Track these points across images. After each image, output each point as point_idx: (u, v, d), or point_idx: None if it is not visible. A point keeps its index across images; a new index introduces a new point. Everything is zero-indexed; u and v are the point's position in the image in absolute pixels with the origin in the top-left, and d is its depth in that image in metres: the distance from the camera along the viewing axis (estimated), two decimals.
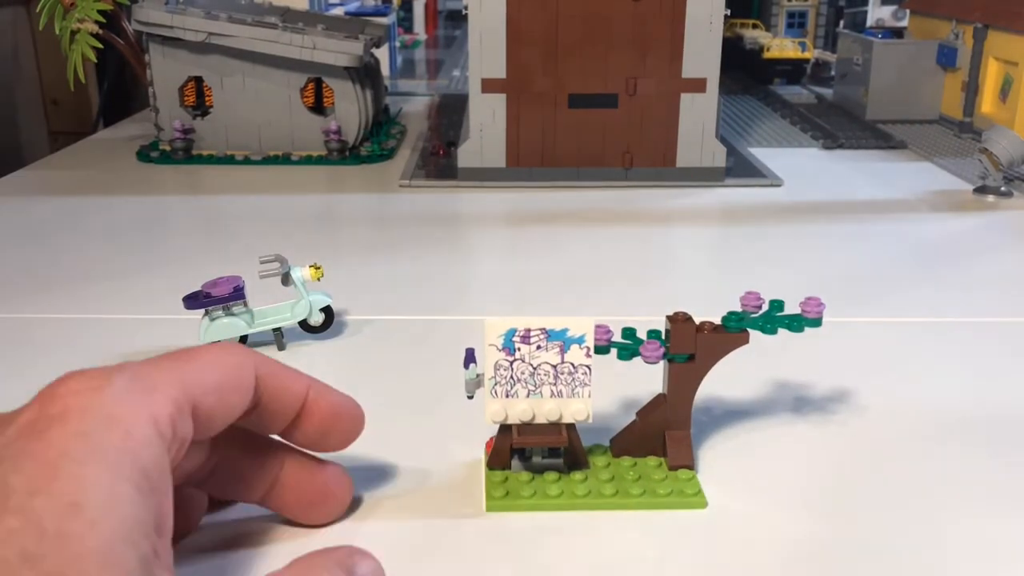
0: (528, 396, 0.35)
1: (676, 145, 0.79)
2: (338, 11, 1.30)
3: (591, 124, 0.78)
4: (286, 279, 0.48)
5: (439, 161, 0.87)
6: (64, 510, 0.21)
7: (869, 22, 1.43)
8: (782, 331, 0.37)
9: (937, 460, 0.38)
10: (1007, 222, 0.71)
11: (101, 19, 0.86)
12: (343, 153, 0.87)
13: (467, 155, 0.79)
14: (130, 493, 0.23)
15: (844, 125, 1.02)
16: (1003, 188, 0.77)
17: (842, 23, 1.46)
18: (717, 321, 0.38)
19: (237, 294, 0.46)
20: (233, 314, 0.47)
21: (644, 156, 0.79)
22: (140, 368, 0.26)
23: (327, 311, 0.49)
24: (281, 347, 0.48)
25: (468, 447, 0.38)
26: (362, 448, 0.33)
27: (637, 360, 0.36)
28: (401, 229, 0.69)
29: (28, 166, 0.89)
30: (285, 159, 0.87)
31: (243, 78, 0.86)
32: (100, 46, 0.86)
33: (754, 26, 1.40)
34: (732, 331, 0.37)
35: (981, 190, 0.78)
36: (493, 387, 0.35)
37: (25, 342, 0.50)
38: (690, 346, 0.37)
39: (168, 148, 0.87)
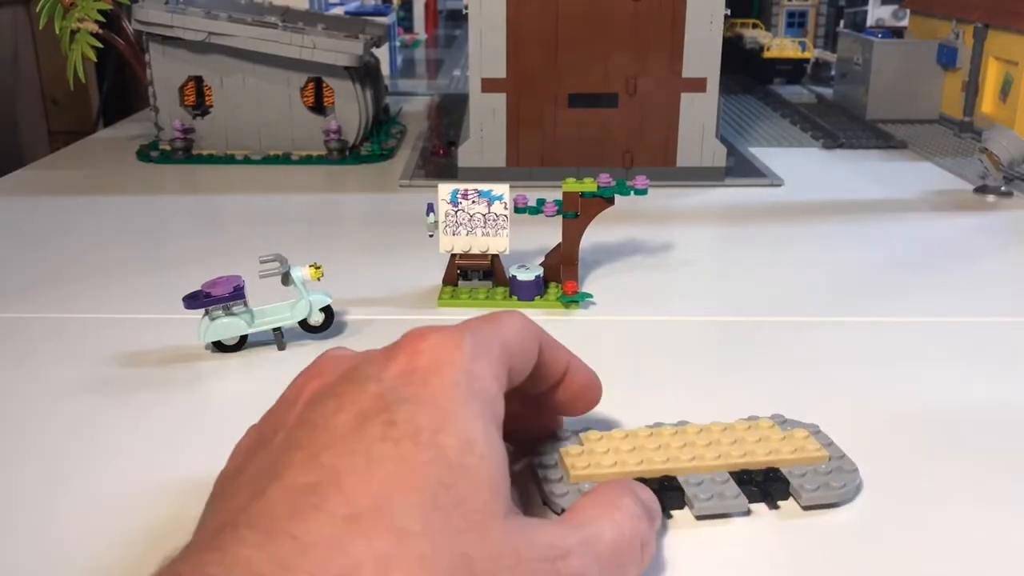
0: (467, 235, 0.53)
1: (676, 145, 0.79)
2: (338, 11, 1.30)
3: (591, 124, 0.78)
4: (286, 279, 0.48)
5: (439, 161, 0.87)
6: (462, 446, 0.26)
7: (869, 22, 1.43)
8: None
9: (937, 460, 0.38)
10: (1007, 222, 0.71)
11: (101, 19, 0.86)
12: (343, 153, 0.87)
13: (467, 155, 0.79)
14: (495, 432, 0.27)
15: (844, 125, 1.02)
16: (1003, 188, 0.77)
17: (842, 23, 1.46)
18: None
19: (237, 294, 0.46)
20: (233, 314, 0.47)
21: (644, 156, 0.79)
22: (477, 331, 0.30)
23: (327, 311, 0.49)
24: (281, 347, 0.48)
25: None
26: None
27: (549, 222, 0.54)
28: (401, 229, 0.69)
29: (28, 166, 0.89)
30: (285, 159, 0.87)
31: (243, 78, 0.86)
32: (100, 46, 0.86)
33: (754, 26, 1.40)
34: (600, 197, 0.53)
35: (981, 190, 0.78)
36: (444, 228, 0.53)
37: (25, 342, 0.50)
38: (575, 207, 0.53)
39: (168, 148, 0.87)
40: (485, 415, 0.27)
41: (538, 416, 0.37)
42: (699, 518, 0.34)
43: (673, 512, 0.34)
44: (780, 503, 0.34)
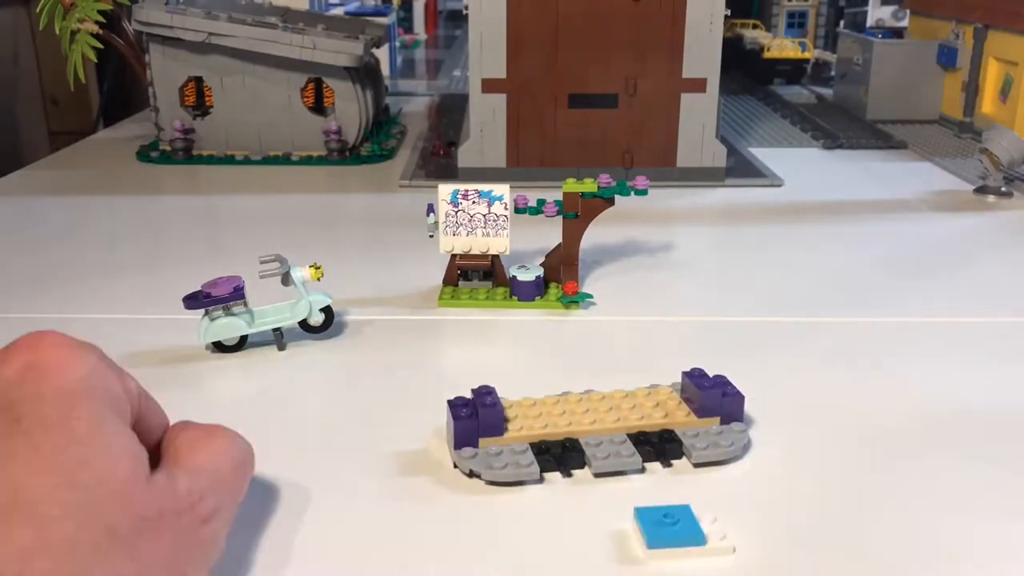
0: (467, 235, 0.53)
1: (676, 145, 0.79)
2: (338, 11, 1.30)
3: (591, 124, 0.78)
4: (286, 279, 0.48)
5: (439, 161, 0.87)
6: (95, 424, 0.26)
7: (869, 22, 1.43)
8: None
9: (937, 459, 0.38)
10: (1007, 222, 0.71)
11: (101, 19, 0.86)
12: (343, 153, 0.87)
13: (467, 155, 0.79)
14: (119, 422, 0.28)
15: (844, 125, 1.02)
16: (1003, 188, 0.77)
17: (842, 23, 1.46)
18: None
19: (237, 294, 0.46)
20: (233, 314, 0.47)
21: (644, 156, 0.79)
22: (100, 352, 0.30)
23: (327, 311, 0.49)
24: (281, 347, 0.48)
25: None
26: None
27: (549, 222, 0.54)
28: (401, 229, 0.69)
29: (28, 166, 0.89)
30: (285, 159, 0.87)
31: (243, 78, 0.86)
32: (100, 46, 0.86)
33: (754, 26, 1.40)
34: (600, 197, 0.53)
35: (981, 190, 0.78)
36: (444, 228, 0.53)
37: None
38: (575, 208, 0.53)
39: (168, 148, 0.87)
40: (112, 407, 0.28)
41: None
42: (596, 475, 0.36)
43: (574, 471, 0.37)
44: (674, 462, 0.37)
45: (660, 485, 0.36)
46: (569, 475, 0.37)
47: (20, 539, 0.23)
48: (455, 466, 0.37)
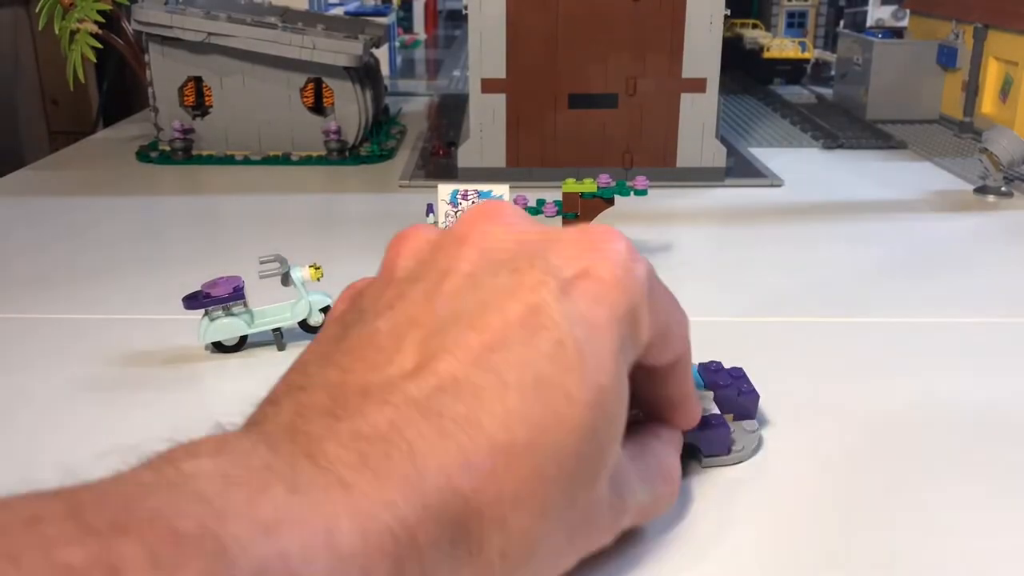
0: None
1: (676, 145, 0.79)
2: (338, 11, 1.30)
3: (591, 124, 0.78)
4: (286, 279, 0.48)
5: (439, 161, 0.87)
6: (617, 396, 0.25)
7: (869, 22, 1.43)
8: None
9: (937, 460, 0.38)
10: (1007, 222, 0.71)
11: (101, 19, 0.86)
12: (343, 153, 0.87)
13: (467, 155, 0.79)
14: (626, 386, 0.27)
15: (844, 125, 1.02)
16: (1003, 188, 0.77)
17: (842, 23, 1.46)
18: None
19: (237, 294, 0.46)
20: (233, 314, 0.47)
21: (644, 156, 0.79)
22: (652, 273, 0.30)
23: (327, 311, 0.49)
24: (281, 347, 0.48)
25: None
26: None
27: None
28: (401, 229, 0.69)
29: (28, 166, 0.89)
30: (285, 159, 0.87)
31: (243, 78, 0.86)
32: (100, 46, 0.86)
33: (754, 26, 1.40)
34: (600, 197, 0.54)
35: (981, 190, 0.78)
36: (444, 228, 0.51)
37: (25, 342, 0.50)
38: (575, 208, 0.53)
39: (168, 148, 0.87)
40: (628, 360, 0.27)
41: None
42: None
43: None
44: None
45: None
46: None
47: (516, 486, 0.23)
48: None
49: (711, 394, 0.38)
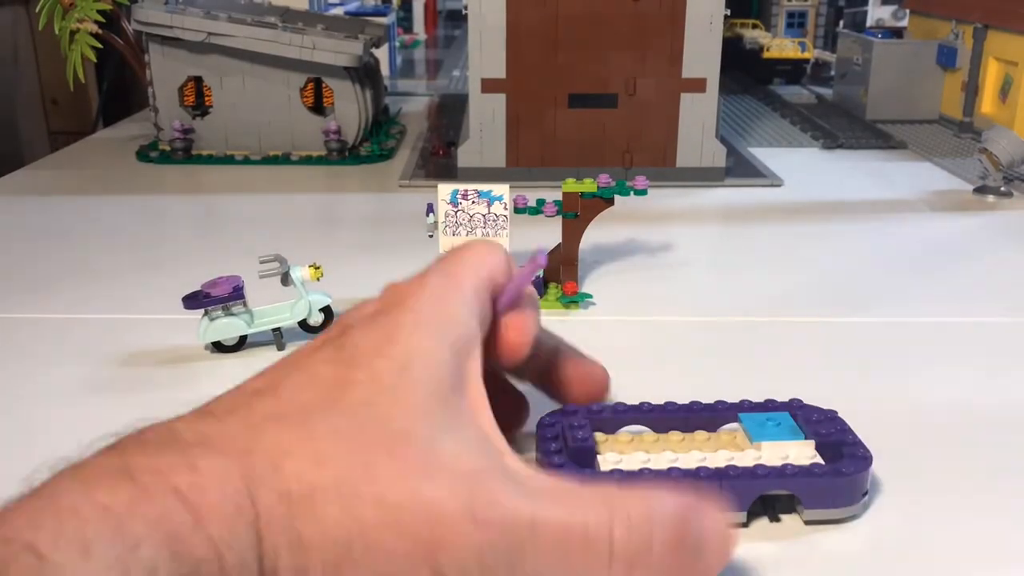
0: (467, 235, 0.53)
1: (676, 145, 0.79)
2: (338, 11, 1.30)
3: (591, 124, 0.78)
4: (285, 279, 0.48)
5: (439, 161, 0.87)
6: (398, 370, 0.27)
7: (869, 22, 1.43)
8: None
9: (937, 460, 0.38)
10: (1007, 222, 0.71)
11: (101, 19, 0.86)
12: (343, 153, 0.87)
13: (467, 155, 0.79)
14: (447, 354, 0.28)
15: (844, 125, 1.02)
16: (1003, 188, 0.77)
17: (842, 23, 1.46)
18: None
19: (236, 294, 0.46)
20: (232, 314, 0.47)
21: (644, 156, 0.79)
22: (445, 267, 0.32)
23: (326, 311, 0.49)
24: (281, 347, 0.48)
25: None
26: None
27: (549, 222, 0.54)
28: (401, 229, 0.69)
29: (28, 166, 0.89)
30: (285, 159, 0.87)
31: (243, 78, 0.86)
32: (100, 46, 0.86)
33: (754, 26, 1.40)
34: (600, 197, 0.53)
35: (981, 190, 0.78)
36: (444, 228, 0.53)
37: (25, 342, 0.50)
38: (575, 208, 0.53)
39: (168, 148, 0.87)
40: (442, 336, 0.28)
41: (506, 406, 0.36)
42: None
43: None
44: (782, 516, 0.34)
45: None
46: None
47: (284, 439, 0.25)
48: None
49: (812, 443, 0.34)
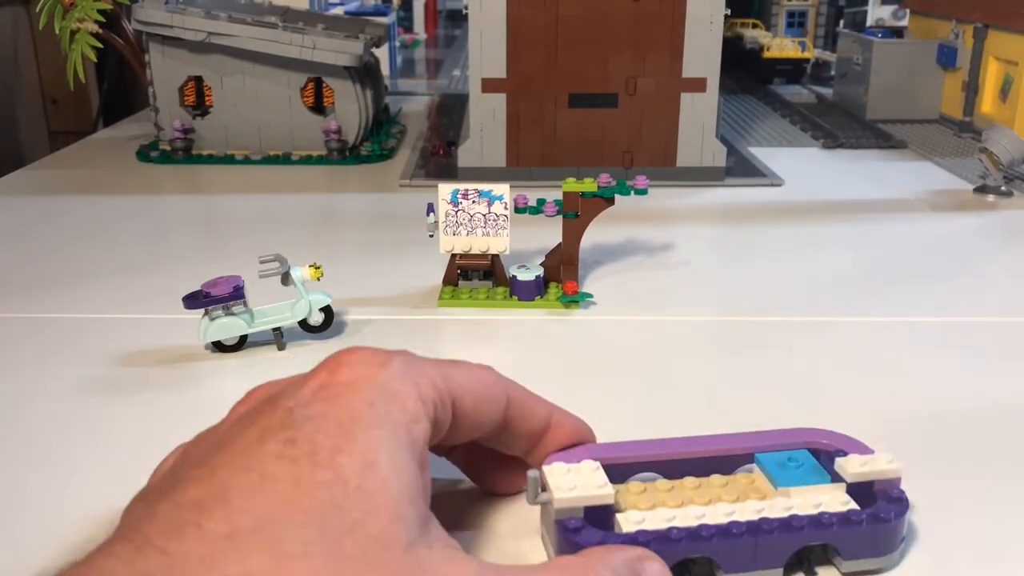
0: (467, 235, 0.53)
1: (676, 145, 0.79)
2: (338, 11, 1.30)
3: (591, 124, 0.78)
4: (286, 279, 0.48)
5: (439, 161, 0.87)
6: (362, 468, 0.24)
7: (869, 22, 1.43)
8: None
9: (937, 460, 0.38)
10: (1007, 222, 0.71)
11: (101, 19, 0.86)
12: (343, 153, 0.87)
13: (467, 155, 0.79)
14: (406, 457, 0.26)
15: (844, 125, 1.02)
16: (1003, 188, 0.77)
17: (842, 23, 1.46)
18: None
19: (236, 294, 0.46)
20: (233, 314, 0.47)
21: (644, 156, 0.79)
22: (411, 357, 0.29)
23: (327, 311, 0.49)
24: (281, 347, 0.48)
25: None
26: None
27: (549, 222, 0.54)
28: (401, 229, 0.69)
29: (28, 166, 0.89)
30: (285, 159, 0.87)
31: (243, 78, 0.86)
32: (100, 46, 0.86)
33: (754, 26, 1.40)
34: (601, 197, 0.53)
35: (981, 190, 0.78)
36: (444, 228, 0.53)
37: (25, 342, 0.50)
38: (575, 207, 0.53)
39: (168, 148, 0.87)
40: (397, 438, 0.26)
41: (514, 475, 0.34)
42: None
43: None
44: (818, 569, 0.31)
45: None
46: None
47: (255, 566, 0.22)
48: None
49: (843, 486, 0.32)
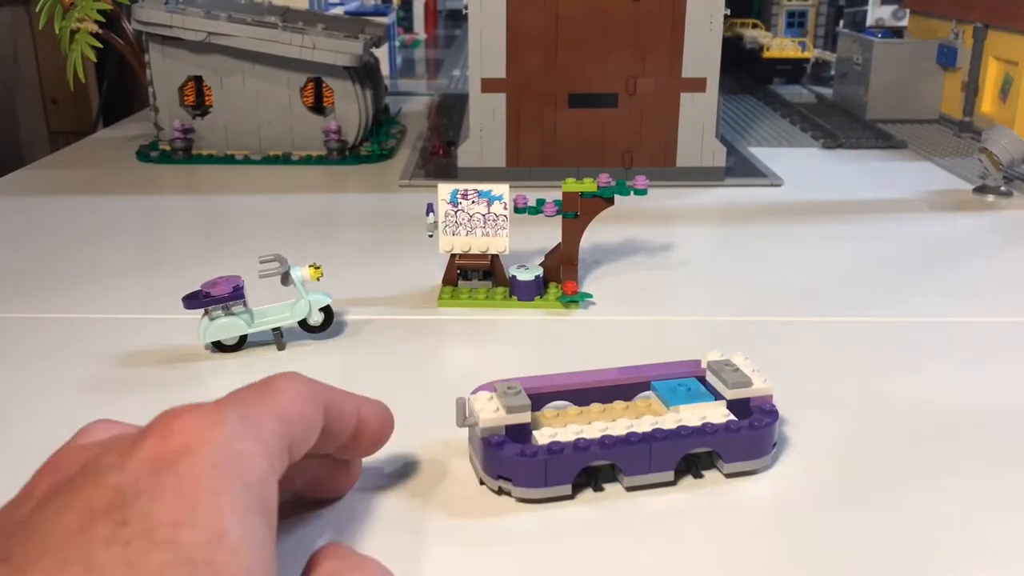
0: (467, 235, 0.53)
1: (676, 145, 0.79)
2: (338, 11, 1.30)
3: (591, 124, 0.78)
4: (285, 279, 0.48)
5: (439, 161, 0.87)
6: (209, 541, 0.22)
7: (869, 22, 1.43)
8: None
9: (936, 459, 0.38)
10: (1007, 222, 0.71)
11: (101, 19, 0.86)
12: (343, 153, 0.87)
13: (467, 155, 0.79)
14: (257, 522, 0.23)
15: (844, 125, 1.02)
16: (1003, 188, 0.77)
17: (842, 23, 1.46)
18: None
19: (236, 294, 0.46)
20: (232, 314, 0.47)
21: (644, 156, 0.79)
22: (242, 405, 0.26)
23: (326, 311, 0.49)
24: (280, 347, 0.48)
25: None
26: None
27: (549, 222, 0.54)
28: (401, 229, 0.69)
29: (28, 166, 0.89)
30: (285, 159, 0.87)
31: (243, 78, 0.86)
32: (100, 46, 0.86)
33: (754, 26, 1.40)
34: (600, 197, 0.53)
35: (981, 190, 0.78)
36: (444, 228, 0.53)
37: (25, 342, 0.50)
38: (575, 207, 0.53)
39: (168, 148, 0.87)
40: (248, 502, 0.23)
41: (335, 473, 0.34)
42: (628, 489, 0.36)
43: (604, 484, 0.36)
44: (704, 472, 0.37)
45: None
46: (601, 489, 0.36)
47: None
48: (481, 483, 0.36)
49: (723, 402, 0.38)
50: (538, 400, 0.38)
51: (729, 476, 0.36)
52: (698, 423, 0.36)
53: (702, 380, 0.39)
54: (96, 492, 0.22)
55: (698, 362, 0.40)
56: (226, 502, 0.23)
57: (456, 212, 0.53)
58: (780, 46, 1.29)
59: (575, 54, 0.76)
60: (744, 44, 1.34)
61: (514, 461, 0.34)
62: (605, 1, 0.75)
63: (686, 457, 0.36)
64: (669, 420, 0.36)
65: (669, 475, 0.35)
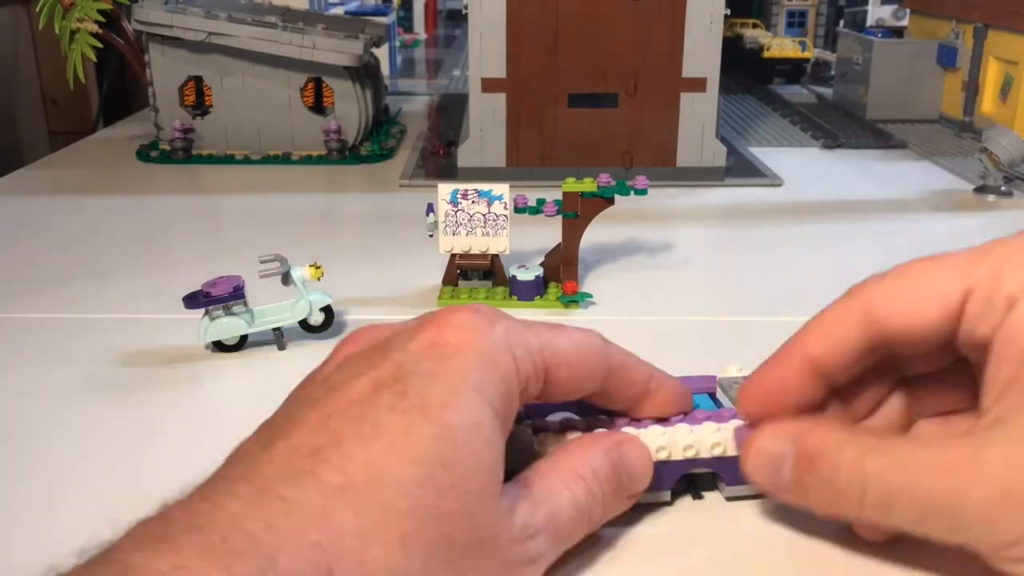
0: (467, 235, 0.53)
1: (676, 145, 0.79)
2: (338, 11, 1.30)
3: (591, 124, 0.78)
4: (286, 279, 0.48)
5: (439, 161, 0.87)
6: (469, 427, 0.26)
7: (869, 22, 1.43)
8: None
9: None
10: (1007, 222, 0.71)
11: (101, 19, 0.86)
12: (343, 153, 0.87)
13: (467, 155, 0.79)
14: (499, 429, 0.27)
15: (844, 125, 1.02)
16: (1003, 188, 0.77)
17: (842, 23, 1.46)
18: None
19: (237, 294, 0.46)
20: (233, 314, 0.47)
21: (644, 156, 0.79)
22: (515, 325, 0.30)
23: (327, 311, 0.49)
24: (281, 347, 0.48)
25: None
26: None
27: (549, 222, 0.54)
28: (401, 229, 0.69)
29: (28, 166, 0.89)
30: (285, 159, 0.87)
31: (243, 78, 0.86)
32: (100, 46, 0.86)
33: (754, 26, 1.40)
34: (600, 197, 0.53)
35: (981, 190, 0.78)
36: (444, 228, 0.53)
37: (24, 342, 0.50)
38: (575, 207, 0.53)
39: (168, 148, 0.87)
40: (496, 406, 0.27)
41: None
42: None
43: None
44: (705, 494, 0.35)
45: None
46: None
47: (364, 520, 0.23)
48: None
49: (732, 424, 0.35)
50: (542, 411, 0.36)
51: (729, 500, 0.35)
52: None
53: (713, 396, 0.38)
54: (383, 364, 0.27)
55: (713, 377, 0.39)
56: (482, 401, 0.27)
57: (456, 212, 0.53)
58: (780, 46, 1.29)
59: (575, 54, 0.76)
60: (744, 44, 1.34)
61: None
62: (605, 1, 0.75)
63: (686, 477, 0.34)
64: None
65: (665, 496, 0.34)
